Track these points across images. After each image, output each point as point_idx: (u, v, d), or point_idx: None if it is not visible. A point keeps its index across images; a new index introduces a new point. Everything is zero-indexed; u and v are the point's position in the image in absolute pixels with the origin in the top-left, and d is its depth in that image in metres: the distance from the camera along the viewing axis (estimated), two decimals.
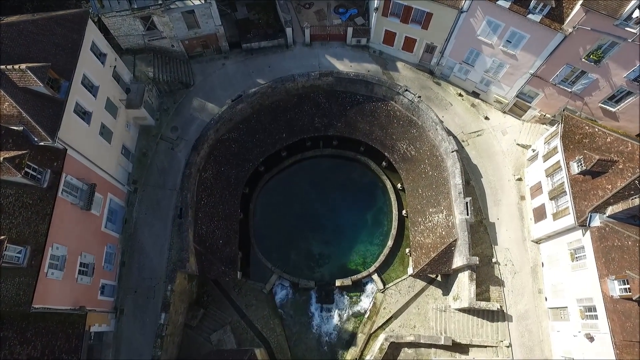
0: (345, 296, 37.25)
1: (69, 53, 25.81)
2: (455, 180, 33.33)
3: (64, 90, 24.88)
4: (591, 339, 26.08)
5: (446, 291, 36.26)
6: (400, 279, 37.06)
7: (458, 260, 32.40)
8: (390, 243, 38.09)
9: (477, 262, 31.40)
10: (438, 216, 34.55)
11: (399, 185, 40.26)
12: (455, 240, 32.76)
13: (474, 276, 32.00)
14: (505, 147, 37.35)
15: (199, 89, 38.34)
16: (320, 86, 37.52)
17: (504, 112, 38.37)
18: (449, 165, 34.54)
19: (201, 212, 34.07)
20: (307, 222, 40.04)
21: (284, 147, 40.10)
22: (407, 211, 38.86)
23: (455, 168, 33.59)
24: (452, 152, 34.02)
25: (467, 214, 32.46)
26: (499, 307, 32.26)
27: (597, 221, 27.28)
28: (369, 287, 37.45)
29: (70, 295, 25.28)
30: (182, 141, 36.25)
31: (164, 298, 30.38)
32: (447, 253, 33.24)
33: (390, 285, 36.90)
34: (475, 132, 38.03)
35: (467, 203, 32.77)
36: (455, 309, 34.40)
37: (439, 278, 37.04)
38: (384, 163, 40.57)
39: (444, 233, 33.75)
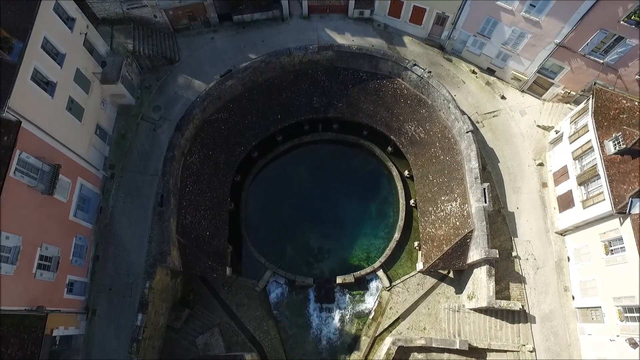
0: (347, 295, 33.57)
1: (25, 10, 22.10)
2: (471, 164, 29.63)
3: (16, 53, 21.16)
4: (635, 344, 22.38)
5: (459, 289, 32.59)
6: (408, 276, 33.36)
7: (474, 254, 28.72)
8: (397, 236, 34.42)
9: (497, 256, 27.72)
10: (451, 205, 30.87)
11: (406, 173, 36.58)
12: (471, 232, 29.08)
13: (493, 272, 28.32)
14: (524, 129, 33.65)
15: (185, 65, 34.62)
16: (319, 61, 33.82)
17: (522, 91, 34.67)
18: (463, 147, 30.85)
19: (186, 200, 30.38)
20: (304, 213, 36.36)
21: (279, 130, 36.40)
22: (415, 200, 35.16)
23: (470, 150, 29.89)
24: (467, 132, 30.33)
25: (485, 202, 28.78)
26: (521, 307, 28.57)
27: (639, 208, 23.60)
28: (374, 285, 33.76)
29: (25, 293, 21.58)
30: (165, 122, 32.54)
31: (142, 297, 26.67)
32: (462, 246, 29.56)
33: (397, 282, 33.21)
34: (490, 112, 34.33)
35: (484, 189, 29.10)
36: (471, 309, 30.74)
37: (451, 274, 33.36)
38: (389, 148, 36.89)
39: (458, 223, 30.07)
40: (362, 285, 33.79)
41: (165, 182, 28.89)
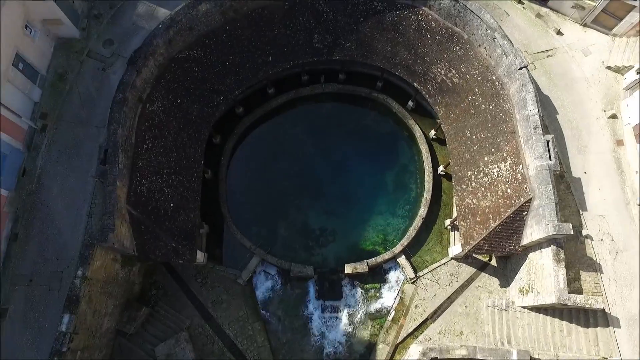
0: (359, 289, 25.69)
1: None
2: (527, 111, 21.77)
3: None
4: None
5: (505, 281, 24.80)
6: (438, 264, 25.53)
7: (534, 231, 20.92)
8: (422, 212, 26.55)
9: (570, 231, 19.88)
10: (498, 167, 23.03)
11: (432, 134, 28.74)
12: (530, 201, 21.27)
13: (562, 255, 20.51)
14: (588, 72, 25.84)
15: None
16: None
17: (585, 25, 26.84)
18: (514, 91, 23.03)
19: (142, 161, 22.51)
20: (303, 186, 28.53)
21: (271, 80, 28.60)
22: (445, 167, 27.37)
23: (525, 92, 22.05)
24: (520, 68, 22.50)
25: (550, 159, 20.96)
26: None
27: None
28: (394, 276, 25.88)
29: None
30: (118, 59, 24.65)
31: (70, 290, 18.79)
32: (516, 221, 21.77)
33: (424, 272, 25.37)
34: (544, 52, 26.52)
35: (548, 142, 21.28)
36: (524, 307, 22.96)
37: (493, 262, 25.54)
38: (410, 103, 29.04)
39: (509, 191, 22.24)
40: (378, 276, 25.90)
41: (112, 132, 20.98)
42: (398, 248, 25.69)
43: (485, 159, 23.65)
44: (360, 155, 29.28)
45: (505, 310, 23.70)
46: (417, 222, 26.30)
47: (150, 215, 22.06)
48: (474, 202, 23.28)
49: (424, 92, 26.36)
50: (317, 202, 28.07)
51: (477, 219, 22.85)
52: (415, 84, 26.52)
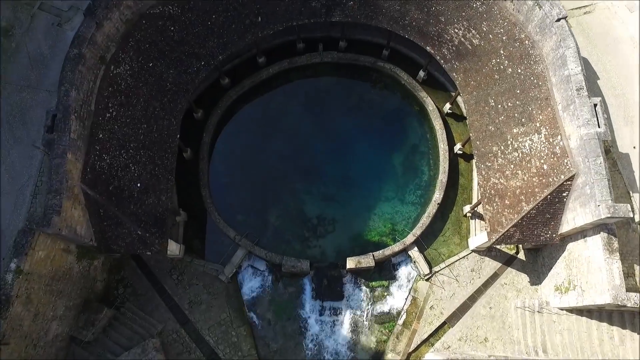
0: (363, 287, 21.77)
1: None
2: (568, 70, 17.92)
3: None
4: None
5: (537, 277, 21.01)
6: (457, 257, 21.70)
7: (579, 215, 17.05)
8: (437, 196, 22.66)
9: (629, 214, 15.98)
10: (531, 140, 19.15)
11: (446, 108, 24.89)
12: (572, 178, 17.43)
13: (615, 244, 16.63)
14: (635, 30, 22.02)
15: None
16: None
17: None
18: (548, 49, 19.21)
19: (104, 132, 18.67)
20: (298, 168, 24.66)
21: (262, 49, 24.86)
22: (465, 143, 23.55)
23: (565, 48, 18.21)
24: (559, 20, 18.67)
25: (599, 125, 17.12)
26: None
27: None
28: (404, 272, 21.96)
29: None
30: (77, 14, 20.81)
31: (0, 287, 14.89)
32: (554, 203, 17.91)
33: (440, 267, 21.52)
34: (580, 7, 22.70)
35: (595, 106, 17.47)
36: (562, 309, 19.10)
37: (521, 255, 21.69)
38: (421, 73, 25.21)
39: (545, 167, 18.36)
40: (386, 272, 22.00)
41: (64, 94, 17.17)
42: (410, 239, 21.79)
43: (514, 130, 19.77)
44: (363, 133, 25.43)
45: (538, 312, 19.80)
46: (432, 209, 22.40)
47: (111, 196, 18.19)
48: (502, 181, 19.38)
49: (438, 57, 22.49)
50: (314, 187, 24.19)
51: (506, 201, 18.95)
52: (428, 48, 22.65)
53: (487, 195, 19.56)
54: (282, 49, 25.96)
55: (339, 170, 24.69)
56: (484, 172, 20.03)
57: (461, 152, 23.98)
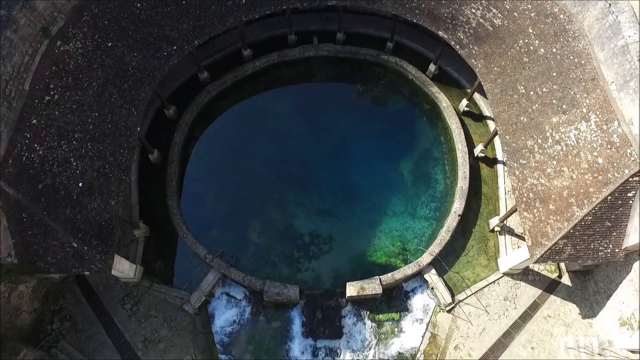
0: (368, 321, 17.11)
1: None
2: (624, 38, 14.37)
3: None
4: None
5: (590, 308, 16.52)
6: (485, 282, 17.28)
7: None
8: (457, 206, 18.48)
9: None
10: (577, 128, 15.30)
11: (463, 105, 21.23)
12: (637, 175, 13.44)
13: None
14: None
15: None
16: None
17: None
18: (591, 20, 15.85)
19: (40, 117, 14.88)
20: (288, 176, 20.66)
21: (248, 41, 21.61)
22: (488, 143, 19.68)
23: (618, 13, 14.79)
24: None
25: None
26: None
27: None
28: (420, 301, 17.39)
29: None
30: None
31: None
32: (616, 207, 13.80)
33: (465, 295, 17.03)
34: None
35: None
36: (633, 351, 14.48)
37: (565, 279, 17.27)
38: (432, 67, 21.76)
39: (600, 161, 14.37)
40: (396, 301, 17.41)
41: None
42: (425, 259, 17.38)
43: (554, 120, 15.95)
44: (365, 137, 21.67)
45: (599, 355, 15.14)
46: (452, 221, 18.15)
47: (40, 197, 14.06)
48: (542, 182, 15.31)
49: (453, 43, 19.07)
50: (306, 198, 20.06)
51: (550, 206, 14.80)
52: (440, 32, 19.29)
53: (524, 199, 15.42)
54: (271, 44, 22.71)
55: (337, 180, 20.66)
56: (517, 172, 16.00)
57: (483, 155, 20.08)
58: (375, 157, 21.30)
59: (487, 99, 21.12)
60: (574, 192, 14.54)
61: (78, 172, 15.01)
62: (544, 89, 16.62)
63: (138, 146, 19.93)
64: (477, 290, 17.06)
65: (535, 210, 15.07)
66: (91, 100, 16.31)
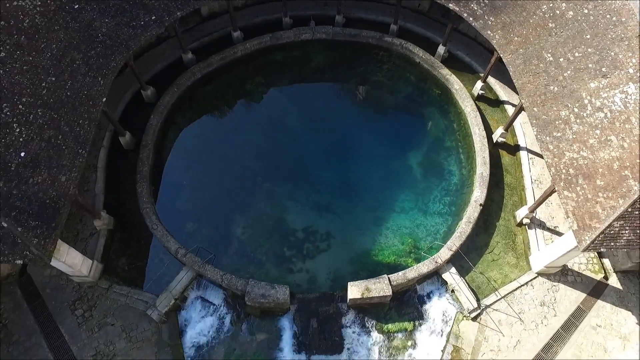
0: (374, 332, 13.90)
1: None
2: None
3: None
4: None
5: None
6: (515, 284, 14.26)
7: None
8: (478, 195, 15.69)
9: None
10: (623, 92, 12.85)
11: (477, 89, 18.84)
12: None
13: None
14: None
15: None
16: None
17: None
18: None
19: None
20: (279, 168, 18.01)
21: (239, 25, 19.66)
22: (509, 127, 17.12)
23: None
24: None
25: None
26: None
27: None
28: (437, 307, 14.23)
29: None
30: None
31: None
32: None
33: (493, 300, 13.93)
34: None
35: None
36: None
37: (613, 280, 14.27)
38: (441, 50, 19.60)
39: None
40: (408, 307, 14.25)
41: None
42: (443, 254, 14.40)
43: (591, 85, 13.52)
44: (367, 126, 19.27)
45: None
46: (472, 211, 15.31)
47: None
48: (585, 154, 12.66)
49: (465, 15, 17.01)
50: (301, 192, 17.31)
51: (598, 181, 12.07)
52: (450, 5, 17.28)
53: (562, 177, 12.70)
54: (264, 29, 20.70)
55: (335, 176, 17.96)
56: (552, 147, 13.37)
57: (503, 141, 17.53)
58: (379, 149, 18.72)
59: (502, 82, 19.05)
60: (627, 164, 11.87)
61: (21, 140, 12.36)
62: (576, 54, 14.32)
63: (109, 131, 17.49)
64: (507, 294, 14.00)
65: (578, 188, 12.31)
66: (48, 63, 13.93)
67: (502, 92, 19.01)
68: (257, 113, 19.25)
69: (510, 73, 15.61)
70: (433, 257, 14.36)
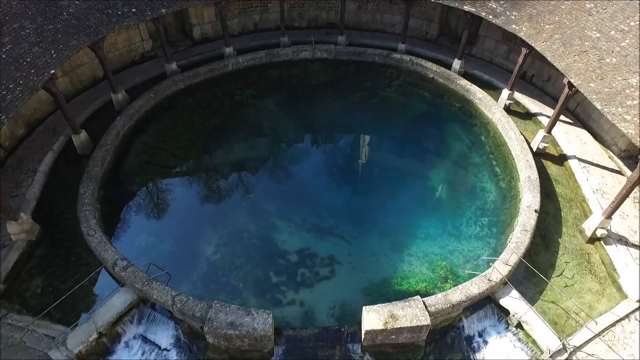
0: None
1: None
2: None
3: None
4: None
5: None
6: (612, 317, 9.58)
7: None
8: (530, 200, 11.75)
9: None
10: None
11: (504, 97, 16.14)
12: None
13: None
14: None
15: None
16: None
17: None
18: None
19: None
20: (271, 181, 14.45)
21: (233, 45, 18.01)
22: (551, 129, 13.92)
23: None
24: None
25: None
26: None
27: None
28: (496, 349, 9.36)
29: None
30: None
31: None
32: None
33: (582, 340, 9.18)
34: None
35: None
36: None
37: None
38: (456, 64, 17.48)
39: None
40: (453, 351, 9.39)
41: None
42: (499, 270, 10.02)
43: None
44: (376, 147, 16.20)
45: None
46: (527, 219, 11.27)
47: None
48: None
49: (484, 14, 15.21)
50: (296, 210, 13.44)
51: None
52: (466, 7, 15.61)
53: None
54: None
55: (346, 197, 14.35)
56: (629, 116, 10.10)
57: (545, 147, 14.22)
58: (392, 173, 15.41)
59: (530, 96, 16.68)
60: None
61: None
62: (631, 23, 11.94)
63: (65, 136, 14.27)
64: (604, 331, 9.33)
65: None
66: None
67: (531, 104, 16.36)
68: (245, 122, 16.30)
69: (549, 58, 13.07)
70: (484, 273, 9.99)
